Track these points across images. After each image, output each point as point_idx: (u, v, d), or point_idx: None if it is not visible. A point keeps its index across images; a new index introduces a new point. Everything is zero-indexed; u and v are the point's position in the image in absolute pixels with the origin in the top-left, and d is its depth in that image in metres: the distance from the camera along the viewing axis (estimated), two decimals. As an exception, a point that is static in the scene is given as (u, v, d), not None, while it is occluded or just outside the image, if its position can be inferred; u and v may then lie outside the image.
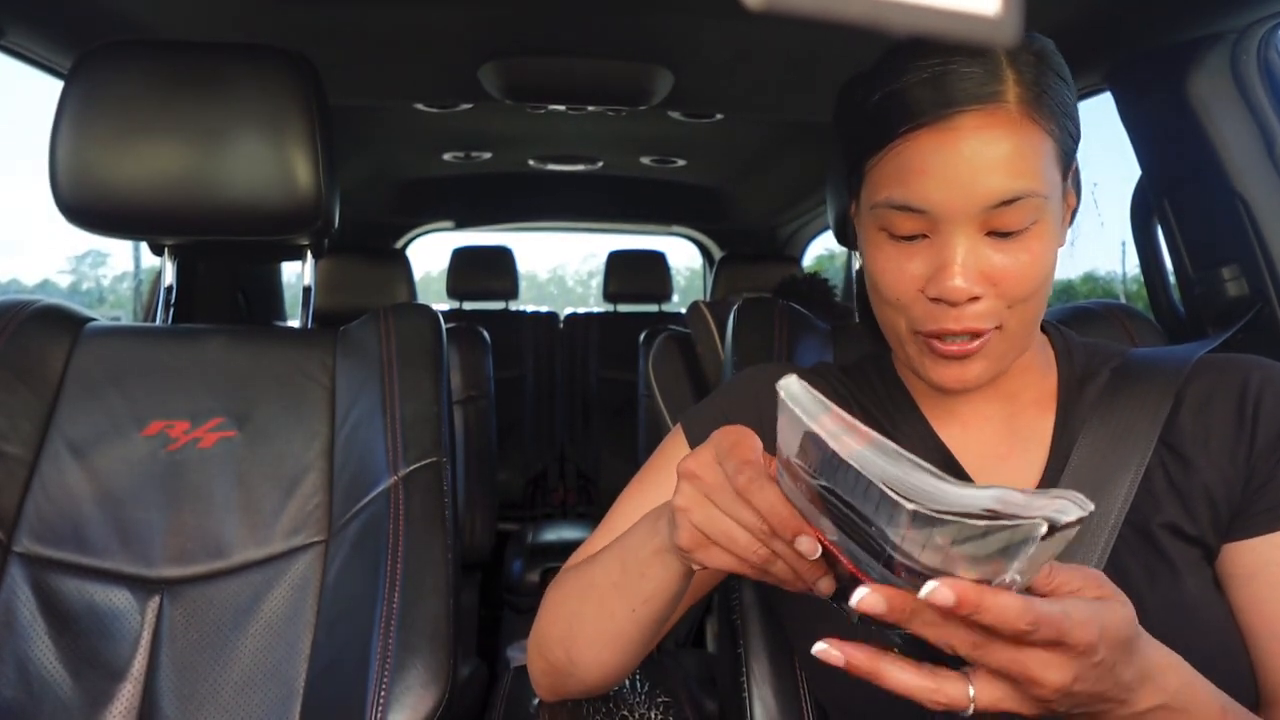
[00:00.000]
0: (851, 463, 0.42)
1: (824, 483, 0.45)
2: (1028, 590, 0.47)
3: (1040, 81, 0.62)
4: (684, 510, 0.55)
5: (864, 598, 0.44)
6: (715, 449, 0.54)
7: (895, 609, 0.44)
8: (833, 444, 0.44)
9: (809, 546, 0.50)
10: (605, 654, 0.69)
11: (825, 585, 0.53)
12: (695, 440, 0.76)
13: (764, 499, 0.51)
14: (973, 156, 0.60)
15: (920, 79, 0.61)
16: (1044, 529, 0.40)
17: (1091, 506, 0.42)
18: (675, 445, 0.78)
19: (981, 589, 0.42)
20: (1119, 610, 0.47)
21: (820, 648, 0.47)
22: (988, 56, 0.61)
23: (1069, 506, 0.42)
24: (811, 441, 0.45)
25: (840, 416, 0.46)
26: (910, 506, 0.40)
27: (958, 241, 0.61)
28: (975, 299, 0.62)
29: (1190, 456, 0.67)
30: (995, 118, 0.60)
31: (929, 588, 0.42)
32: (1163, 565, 0.64)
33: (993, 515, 0.41)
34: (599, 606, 0.67)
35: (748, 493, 0.51)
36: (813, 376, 0.79)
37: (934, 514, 0.40)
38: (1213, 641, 0.62)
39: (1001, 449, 0.71)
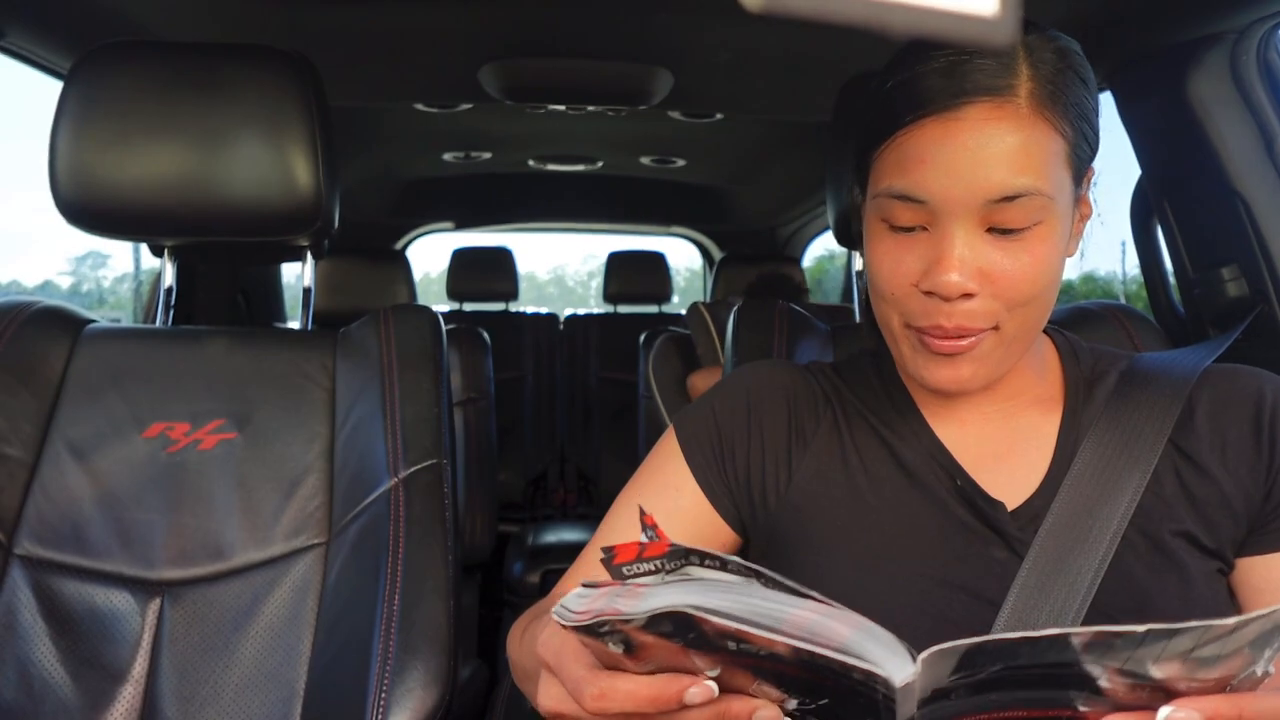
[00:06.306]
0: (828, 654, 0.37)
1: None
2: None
3: (1057, 79, 0.60)
4: None
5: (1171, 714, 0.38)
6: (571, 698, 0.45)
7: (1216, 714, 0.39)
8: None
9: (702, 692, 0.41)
10: None
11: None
12: (687, 441, 0.76)
13: (612, 688, 0.42)
14: (976, 148, 0.59)
15: (933, 68, 0.60)
16: None
17: None
18: (669, 447, 0.77)
19: (1230, 698, 0.39)
20: None
21: None
22: (1005, 50, 0.59)
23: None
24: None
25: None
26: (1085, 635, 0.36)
27: (955, 235, 0.60)
28: (969, 295, 0.61)
29: (1206, 465, 0.66)
30: (1004, 110, 0.59)
31: (1165, 712, 0.38)
32: (1172, 571, 0.63)
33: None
34: None
35: (603, 700, 0.42)
36: (805, 374, 0.78)
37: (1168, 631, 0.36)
38: None
39: (1001, 449, 0.70)
